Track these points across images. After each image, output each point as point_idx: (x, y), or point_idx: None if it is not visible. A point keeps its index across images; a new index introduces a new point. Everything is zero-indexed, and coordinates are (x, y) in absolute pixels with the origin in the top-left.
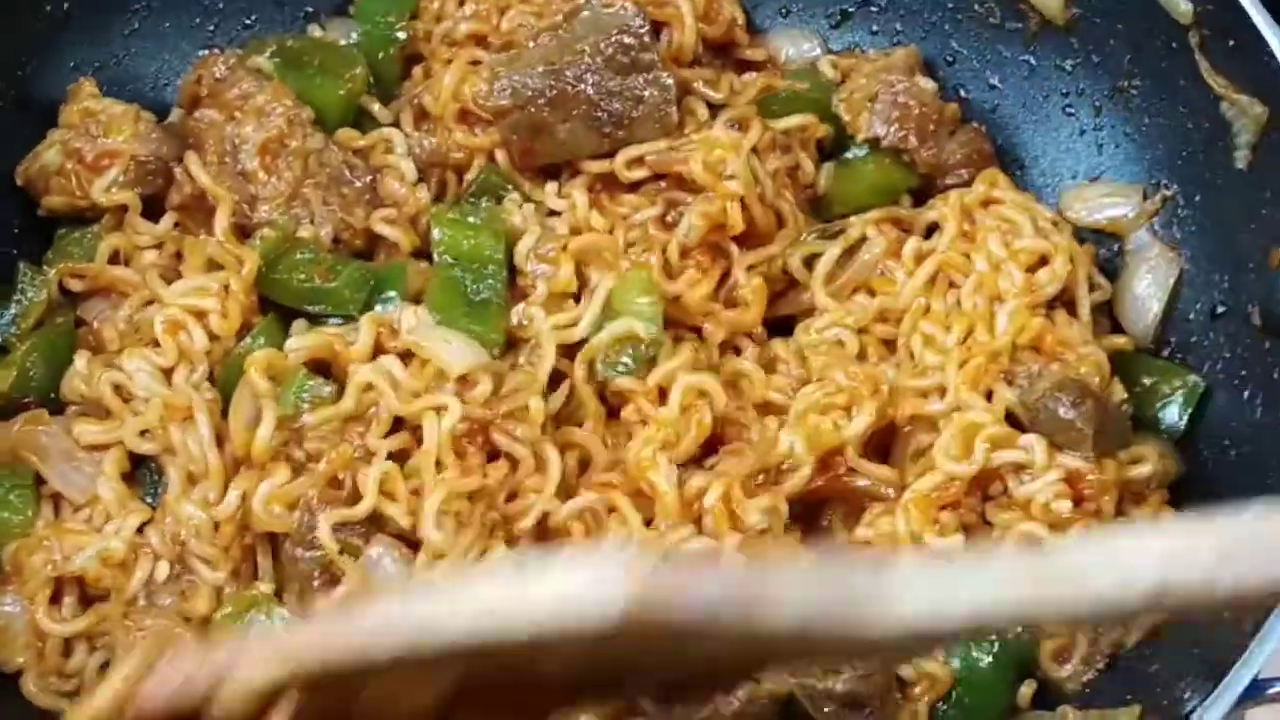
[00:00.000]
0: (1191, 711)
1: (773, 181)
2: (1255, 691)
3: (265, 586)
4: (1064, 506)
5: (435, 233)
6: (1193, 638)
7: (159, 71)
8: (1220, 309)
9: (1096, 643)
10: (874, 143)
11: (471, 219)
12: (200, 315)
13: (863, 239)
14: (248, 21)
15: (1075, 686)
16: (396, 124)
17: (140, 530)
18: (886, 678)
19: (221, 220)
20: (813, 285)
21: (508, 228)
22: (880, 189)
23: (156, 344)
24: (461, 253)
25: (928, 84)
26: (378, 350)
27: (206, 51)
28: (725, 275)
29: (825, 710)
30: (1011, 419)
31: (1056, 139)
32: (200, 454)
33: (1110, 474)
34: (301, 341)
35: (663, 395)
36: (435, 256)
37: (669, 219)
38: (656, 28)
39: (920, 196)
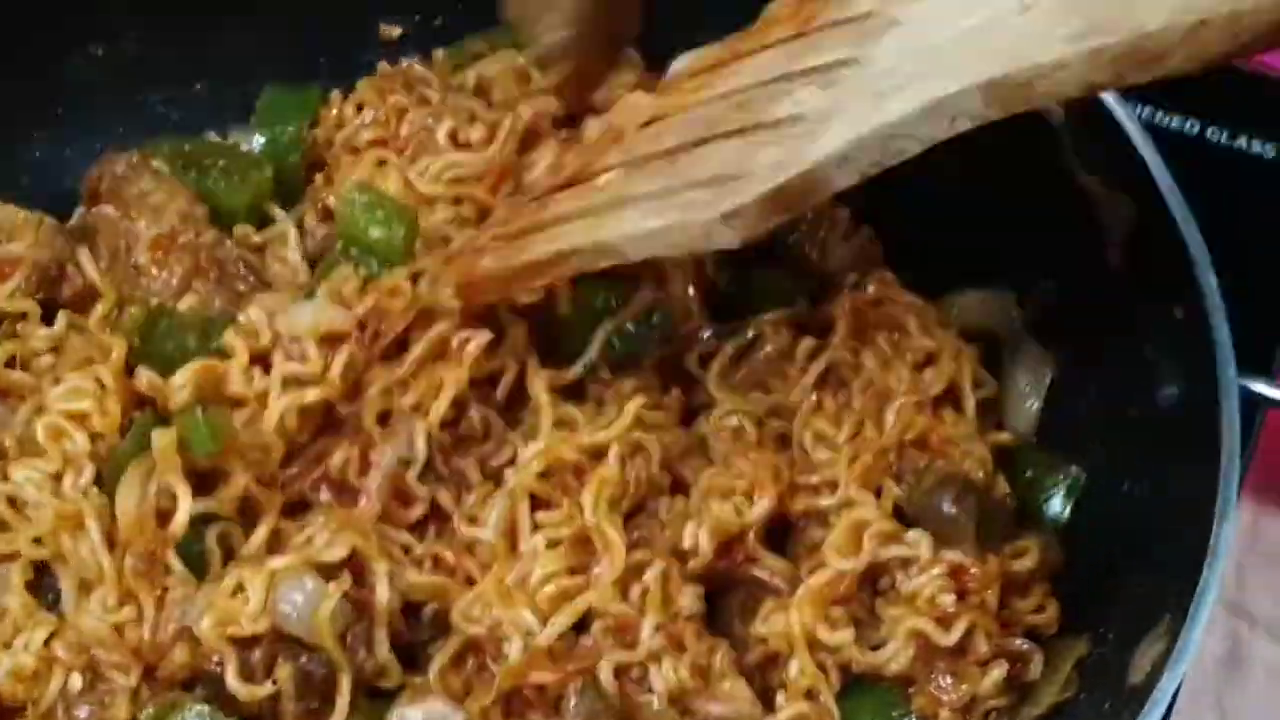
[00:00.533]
0: None
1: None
2: None
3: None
4: (948, 600)
5: (341, 205)
6: None
7: (62, 190)
8: (1098, 402)
9: None
10: (770, 248)
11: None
12: (81, 418)
13: (757, 338)
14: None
15: None
16: (300, 226)
17: (47, 642)
18: None
19: (96, 312)
20: (707, 382)
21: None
22: (777, 292)
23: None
24: (362, 240)
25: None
26: (256, 356)
27: None
28: None
29: None
30: (899, 513)
31: (940, 241)
32: (92, 560)
33: (993, 568)
34: (185, 375)
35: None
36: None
37: None
38: None
39: (817, 298)
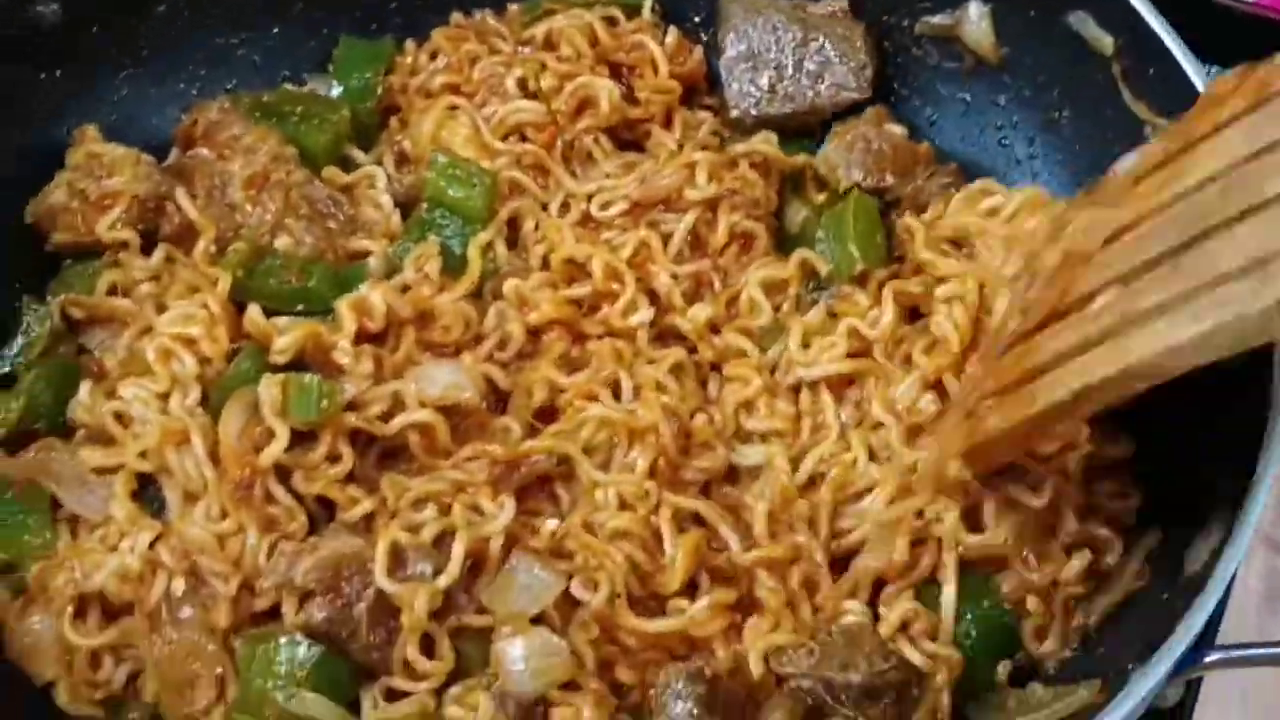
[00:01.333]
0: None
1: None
2: (1190, 661)
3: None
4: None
5: (429, 169)
6: (1140, 620)
7: (147, 127)
8: None
9: (1067, 621)
10: (855, 187)
11: (475, 177)
12: (190, 342)
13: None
14: (229, 86)
15: (1054, 664)
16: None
17: (152, 546)
18: (904, 673)
19: (200, 246)
20: None
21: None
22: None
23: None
24: (445, 201)
25: (897, 129)
26: (360, 332)
27: None
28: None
29: (842, 698)
30: None
31: (994, 169)
32: (197, 473)
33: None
34: (288, 339)
35: None
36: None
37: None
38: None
39: None
